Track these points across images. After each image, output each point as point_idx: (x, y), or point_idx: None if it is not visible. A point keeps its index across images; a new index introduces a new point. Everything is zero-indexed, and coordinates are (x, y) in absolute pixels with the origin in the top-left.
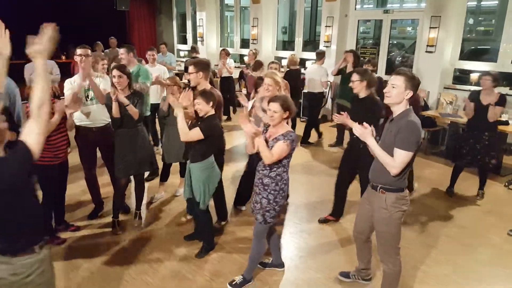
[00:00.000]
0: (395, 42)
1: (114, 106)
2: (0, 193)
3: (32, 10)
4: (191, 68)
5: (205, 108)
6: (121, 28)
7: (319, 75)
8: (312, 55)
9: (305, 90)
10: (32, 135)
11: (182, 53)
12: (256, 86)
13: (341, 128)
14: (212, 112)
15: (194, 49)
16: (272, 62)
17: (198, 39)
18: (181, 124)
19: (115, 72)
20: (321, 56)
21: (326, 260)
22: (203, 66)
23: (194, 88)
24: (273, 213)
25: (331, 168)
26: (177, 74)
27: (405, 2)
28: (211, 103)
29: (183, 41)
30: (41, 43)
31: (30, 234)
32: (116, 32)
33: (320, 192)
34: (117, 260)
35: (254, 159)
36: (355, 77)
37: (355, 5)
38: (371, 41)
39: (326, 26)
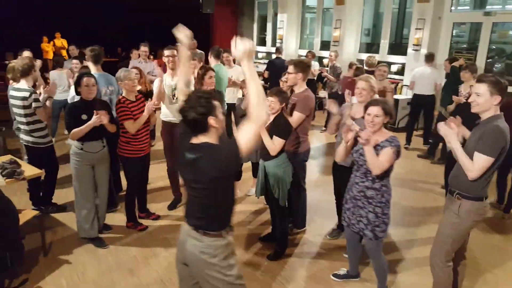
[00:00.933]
0: (494, 47)
1: None
2: (217, 179)
3: (124, 13)
4: (291, 68)
5: (276, 107)
6: (204, 30)
7: (432, 77)
8: (398, 58)
9: (416, 92)
10: (245, 135)
11: (260, 55)
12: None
13: (437, 139)
14: (279, 110)
15: (278, 50)
16: (382, 65)
17: (278, 41)
18: (267, 141)
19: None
20: (431, 58)
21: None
22: (303, 67)
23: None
24: (383, 227)
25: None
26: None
27: (508, 3)
28: (283, 103)
29: (263, 43)
30: (245, 44)
31: (223, 219)
32: (200, 33)
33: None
34: None
35: (339, 169)
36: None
37: (450, 7)
38: (465, 46)
39: (416, 29)
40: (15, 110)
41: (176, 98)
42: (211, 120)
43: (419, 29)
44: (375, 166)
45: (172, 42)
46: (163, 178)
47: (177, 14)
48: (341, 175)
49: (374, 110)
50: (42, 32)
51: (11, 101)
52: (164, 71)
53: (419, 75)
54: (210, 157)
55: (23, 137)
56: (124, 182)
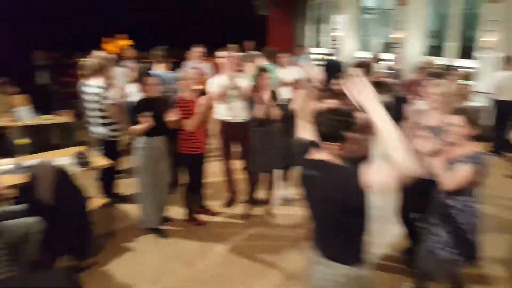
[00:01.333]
0: None
1: (261, 106)
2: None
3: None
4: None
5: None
6: (259, 31)
7: None
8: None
9: (502, 98)
10: (379, 176)
11: (316, 56)
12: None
13: None
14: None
15: (334, 52)
16: (454, 68)
17: (334, 42)
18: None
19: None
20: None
21: None
22: (364, 67)
23: None
24: (464, 252)
25: None
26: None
27: None
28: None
29: (318, 44)
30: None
31: (353, 248)
32: (254, 35)
33: None
34: (245, 250)
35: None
36: None
37: None
38: None
39: (487, 31)
40: (86, 105)
41: (233, 97)
42: (348, 136)
43: (491, 31)
44: (444, 180)
45: (226, 43)
46: (217, 176)
47: (232, 16)
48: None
49: (456, 119)
50: (104, 32)
51: (83, 96)
52: (218, 71)
53: (503, 80)
54: (330, 176)
55: (94, 130)
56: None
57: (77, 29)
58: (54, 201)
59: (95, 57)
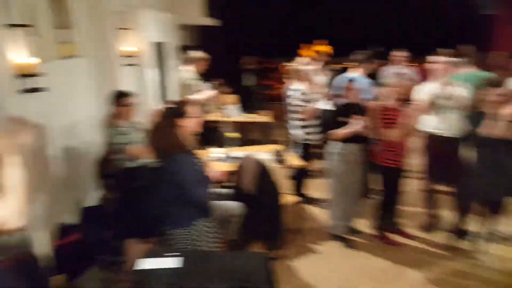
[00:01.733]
0: None
1: (493, 122)
2: None
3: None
4: None
5: None
6: (478, 33)
7: None
8: None
9: None
10: None
11: None
12: None
13: None
14: None
15: None
16: None
17: None
18: None
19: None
20: None
21: None
22: None
23: None
24: None
25: None
26: None
27: None
28: None
29: None
30: None
31: None
32: (472, 38)
33: None
34: (446, 286)
35: None
36: None
37: None
38: None
39: None
40: (288, 107)
41: (444, 108)
42: None
43: None
44: None
45: (434, 47)
46: (415, 195)
47: (443, 16)
48: None
49: None
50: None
51: (287, 99)
52: (425, 78)
53: None
54: None
55: (292, 131)
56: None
57: (278, 35)
58: (255, 190)
59: (298, 63)
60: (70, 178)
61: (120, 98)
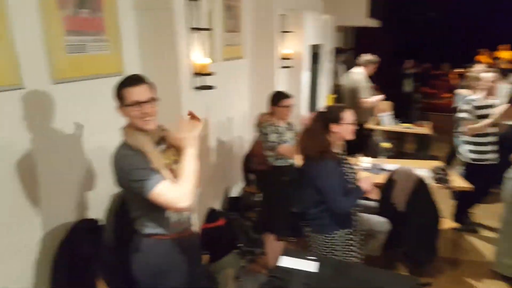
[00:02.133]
0: None
1: None
2: None
3: None
4: None
5: None
6: None
7: None
8: None
9: None
10: None
11: None
12: None
13: None
14: None
15: None
16: None
17: None
18: None
19: None
20: None
21: None
22: None
23: None
24: None
25: None
26: None
27: None
28: None
29: None
30: None
31: None
32: None
33: None
34: None
35: None
36: None
37: None
38: None
39: None
40: (458, 120)
41: None
42: None
43: None
44: None
45: None
46: None
47: None
48: None
49: None
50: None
51: (458, 109)
52: None
53: None
54: None
55: (460, 148)
56: None
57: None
58: (406, 208)
59: (478, 69)
60: (220, 168)
61: (280, 98)
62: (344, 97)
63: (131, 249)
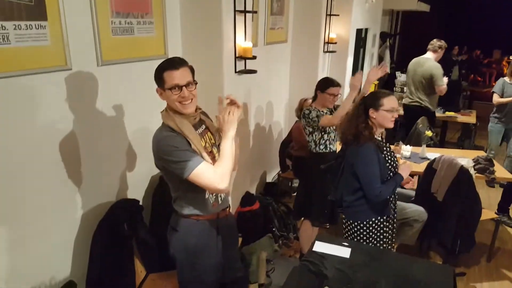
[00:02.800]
0: None
1: None
2: None
3: None
4: None
5: None
6: None
7: None
8: None
9: None
10: None
11: None
12: None
13: None
14: None
15: None
16: None
17: None
18: None
19: None
20: None
21: None
22: None
23: None
24: None
25: None
26: None
27: None
28: None
29: None
30: None
31: None
32: None
33: None
34: None
35: None
36: None
37: None
38: None
39: None
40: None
41: None
42: None
43: None
44: None
45: None
46: None
47: None
48: None
49: None
50: None
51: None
52: None
53: None
54: None
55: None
56: None
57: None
58: (447, 198)
59: None
60: (258, 153)
61: (329, 85)
62: (414, 83)
63: (169, 229)
